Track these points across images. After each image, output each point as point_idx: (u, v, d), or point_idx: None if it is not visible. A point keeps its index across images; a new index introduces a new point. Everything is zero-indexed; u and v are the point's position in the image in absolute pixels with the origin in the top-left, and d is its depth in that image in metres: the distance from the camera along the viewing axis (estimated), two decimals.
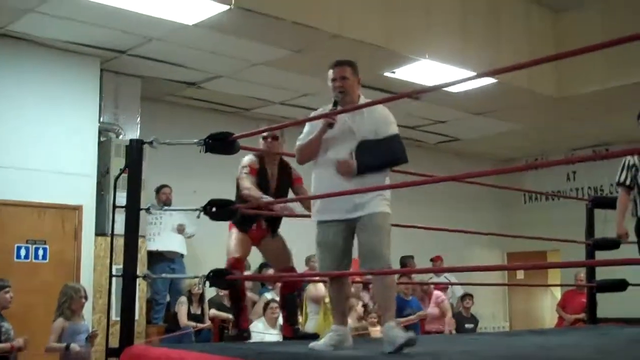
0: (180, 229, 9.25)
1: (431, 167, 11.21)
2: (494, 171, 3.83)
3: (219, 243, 9.30)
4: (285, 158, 5.37)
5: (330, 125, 4.18)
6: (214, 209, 4.34)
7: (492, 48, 9.14)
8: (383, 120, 4.37)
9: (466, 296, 10.60)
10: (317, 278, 8.93)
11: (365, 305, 9.45)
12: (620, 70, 8.99)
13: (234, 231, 5.23)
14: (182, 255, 9.32)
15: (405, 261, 11.16)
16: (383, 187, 4.15)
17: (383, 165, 4.27)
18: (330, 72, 4.42)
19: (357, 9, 7.88)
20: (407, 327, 9.23)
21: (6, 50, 7.81)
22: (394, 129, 4.37)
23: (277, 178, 5.29)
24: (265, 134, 5.18)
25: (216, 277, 4.53)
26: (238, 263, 5.14)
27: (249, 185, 5.01)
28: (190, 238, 9.42)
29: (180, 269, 9.17)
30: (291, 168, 5.37)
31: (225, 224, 5.06)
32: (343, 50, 8.05)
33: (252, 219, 5.21)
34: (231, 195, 4.82)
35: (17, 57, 7.88)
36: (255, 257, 10.47)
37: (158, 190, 9.10)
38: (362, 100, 4.45)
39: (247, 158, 5.22)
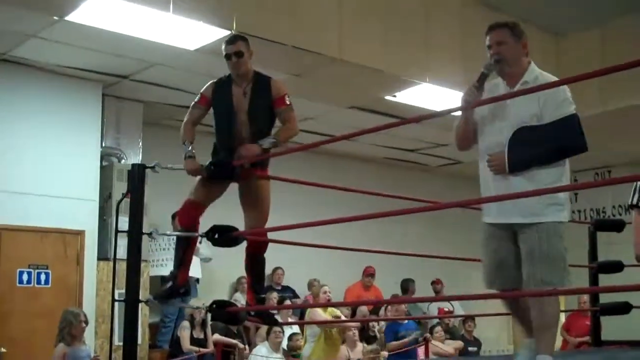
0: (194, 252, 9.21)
1: (434, 189, 11.27)
2: (501, 197, 3.76)
3: (235, 267, 9.36)
4: (266, 73, 4.70)
5: (466, 103, 3.55)
6: (216, 235, 4.30)
7: None
8: (553, 99, 3.54)
9: (467, 319, 10.57)
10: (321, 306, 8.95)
11: (362, 329, 9.41)
12: (618, 93, 9.03)
13: (188, 161, 4.54)
14: (197, 280, 9.26)
15: (406, 285, 11.17)
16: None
17: (544, 158, 3.52)
18: (486, 39, 3.73)
19: (357, 33, 7.92)
20: (403, 354, 9.23)
21: (8, 75, 7.84)
22: (566, 110, 3.56)
23: (250, 99, 4.53)
24: (227, 52, 4.50)
25: (218, 309, 4.48)
26: (191, 209, 4.54)
27: (187, 121, 4.62)
28: (207, 262, 9.37)
29: (192, 293, 9.14)
30: (270, 85, 4.60)
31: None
32: (343, 74, 8.13)
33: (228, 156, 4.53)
34: (235, 221, 4.50)
35: (19, 82, 7.92)
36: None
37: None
38: (532, 70, 3.70)
39: (209, 83, 4.69)
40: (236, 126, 4.52)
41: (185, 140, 4.60)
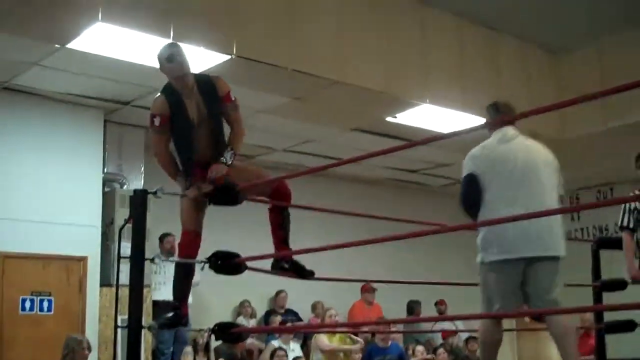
0: None
1: (436, 210, 11.23)
2: (503, 219, 3.89)
3: (225, 291, 9.33)
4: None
5: None
6: (218, 262, 4.26)
7: (491, 91, 9.20)
8: None
9: (470, 339, 10.53)
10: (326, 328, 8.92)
11: None
12: (619, 111, 9.05)
13: (191, 189, 4.39)
14: None
15: (413, 306, 11.13)
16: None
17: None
18: None
19: (356, 55, 7.97)
20: None
21: (11, 103, 7.89)
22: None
23: (203, 104, 4.38)
24: (169, 53, 4.33)
25: (221, 331, 4.44)
26: (196, 239, 4.47)
27: (162, 153, 4.42)
28: (195, 287, 9.33)
29: None
30: (214, 83, 4.45)
31: None
32: (344, 96, 8.16)
33: (205, 164, 4.39)
34: (237, 247, 4.33)
35: (22, 109, 7.96)
36: (261, 305, 10.47)
37: (162, 238, 9.05)
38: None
39: (155, 100, 4.42)
40: (197, 137, 4.40)
41: (176, 174, 4.48)
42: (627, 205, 5.96)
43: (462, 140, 4.81)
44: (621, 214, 6.03)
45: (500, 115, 4.60)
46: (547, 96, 9.47)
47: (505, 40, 9.57)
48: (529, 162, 4.41)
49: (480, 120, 7.59)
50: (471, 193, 4.36)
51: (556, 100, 8.49)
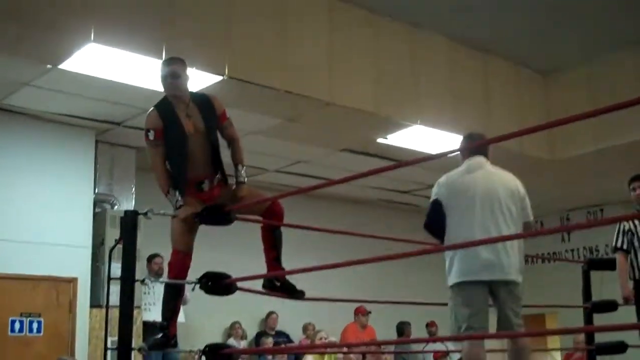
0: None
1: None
2: (492, 239, 3.95)
3: (216, 313, 9.30)
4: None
5: None
6: (209, 282, 4.23)
7: (482, 112, 9.26)
8: None
9: None
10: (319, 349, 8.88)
11: None
12: (609, 132, 9.09)
13: (182, 209, 4.35)
14: None
15: (403, 327, 11.09)
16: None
17: None
18: None
19: (348, 76, 8.00)
20: None
21: (2, 123, 7.87)
22: None
23: (200, 119, 4.43)
24: (162, 73, 4.44)
25: (212, 352, 4.41)
26: (185, 260, 4.44)
27: (158, 167, 4.40)
28: (184, 305, 9.27)
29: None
30: (212, 101, 4.54)
31: None
32: (335, 117, 8.18)
33: (200, 182, 4.45)
34: (226, 267, 4.35)
35: (13, 129, 7.95)
36: (252, 326, 10.43)
37: (150, 259, 8.96)
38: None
39: (148, 115, 4.45)
40: (191, 151, 4.40)
41: (169, 189, 4.44)
42: (621, 226, 6.03)
43: (456, 162, 4.86)
44: (615, 235, 6.08)
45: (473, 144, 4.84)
46: (538, 117, 9.53)
47: (496, 62, 9.63)
48: (490, 191, 4.63)
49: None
50: (434, 217, 4.72)
51: (546, 122, 8.56)
